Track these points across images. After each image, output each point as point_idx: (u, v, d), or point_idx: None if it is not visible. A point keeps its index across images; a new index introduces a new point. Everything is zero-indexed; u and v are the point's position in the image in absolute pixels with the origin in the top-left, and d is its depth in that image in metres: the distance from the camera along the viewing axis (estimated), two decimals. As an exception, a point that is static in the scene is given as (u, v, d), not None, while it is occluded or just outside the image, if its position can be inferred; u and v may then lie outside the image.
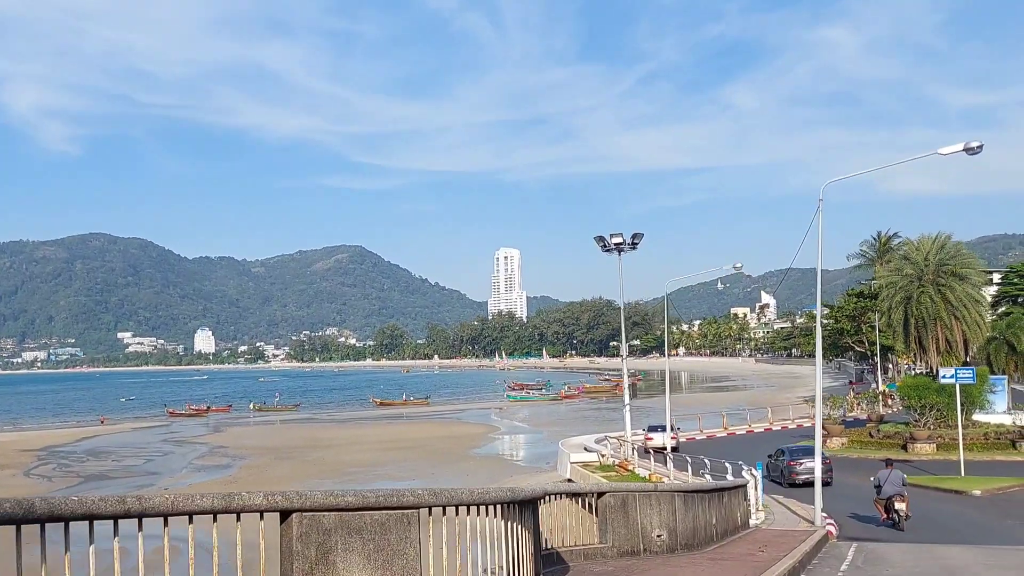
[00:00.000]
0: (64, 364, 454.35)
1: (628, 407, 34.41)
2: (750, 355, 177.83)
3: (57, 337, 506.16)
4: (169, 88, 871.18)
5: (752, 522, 18.96)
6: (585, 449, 36.07)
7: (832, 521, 19.11)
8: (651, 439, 35.85)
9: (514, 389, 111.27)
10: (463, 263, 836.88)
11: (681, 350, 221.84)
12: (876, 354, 59.55)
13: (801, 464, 27.57)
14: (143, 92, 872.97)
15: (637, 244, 32.76)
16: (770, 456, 29.96)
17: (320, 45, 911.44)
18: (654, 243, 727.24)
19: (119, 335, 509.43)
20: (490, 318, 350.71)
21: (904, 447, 34.35)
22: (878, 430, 37.35)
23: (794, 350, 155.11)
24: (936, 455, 33.26)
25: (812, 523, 18.48)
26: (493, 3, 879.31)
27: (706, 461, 23.94)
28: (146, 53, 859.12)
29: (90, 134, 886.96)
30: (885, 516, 19.69)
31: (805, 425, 45.79)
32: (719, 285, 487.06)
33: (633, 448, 32.11)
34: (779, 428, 48.96)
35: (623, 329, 35.37)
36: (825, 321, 71.29)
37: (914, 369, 62.40)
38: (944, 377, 29.16)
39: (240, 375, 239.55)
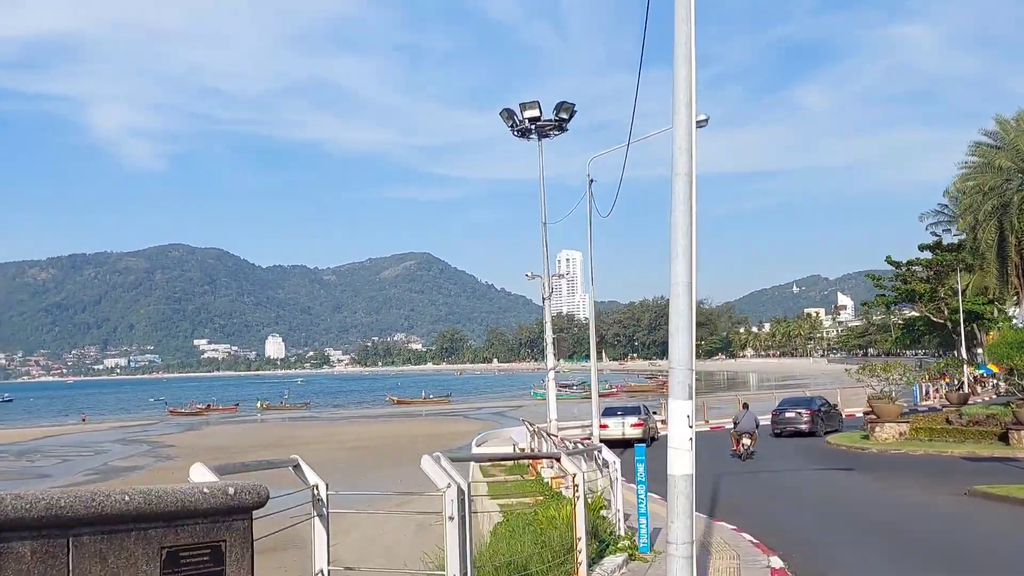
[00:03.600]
0: (142, 370, 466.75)
1: (553, 376, 22.86)
2: (822, 355, 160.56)
3: (137, 344, 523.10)
4: (245, 104, 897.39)
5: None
6: (515, 445, 25.01)
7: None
8: (606, 426, 24.23)
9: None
10: (528, 269, 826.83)
11: (749, 351, 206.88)
12: (960, 324, 44.06)
13: (780, 415, 28.19)
14: (221, 109, 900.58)
15: (566, 124, 21.36)
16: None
17: (390, 58, 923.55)
18: (726, 247, 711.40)
19: (195, 342, 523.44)
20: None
21: (1003, 437, 21.69)
22: (959, 414, 24.33)
23: (870, 349, 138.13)
24: (1056, 452, 20.67)
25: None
26: (557, 10, 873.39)
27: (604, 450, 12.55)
28: (224, 72, 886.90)
29: (172, 150, 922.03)
30: (736, 447, 22.56)
31: (857, 416, 34.12)
32: (794, 288, 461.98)
33: (561, 440, 20.72)
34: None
35: (545, 258, 23.69)
36: (893, 284, 57.71)
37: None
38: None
39: (320, 379, 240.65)
